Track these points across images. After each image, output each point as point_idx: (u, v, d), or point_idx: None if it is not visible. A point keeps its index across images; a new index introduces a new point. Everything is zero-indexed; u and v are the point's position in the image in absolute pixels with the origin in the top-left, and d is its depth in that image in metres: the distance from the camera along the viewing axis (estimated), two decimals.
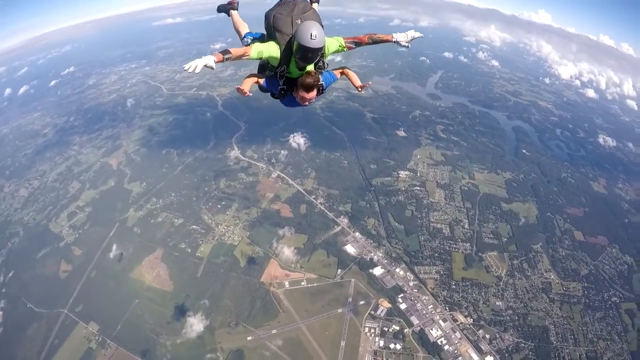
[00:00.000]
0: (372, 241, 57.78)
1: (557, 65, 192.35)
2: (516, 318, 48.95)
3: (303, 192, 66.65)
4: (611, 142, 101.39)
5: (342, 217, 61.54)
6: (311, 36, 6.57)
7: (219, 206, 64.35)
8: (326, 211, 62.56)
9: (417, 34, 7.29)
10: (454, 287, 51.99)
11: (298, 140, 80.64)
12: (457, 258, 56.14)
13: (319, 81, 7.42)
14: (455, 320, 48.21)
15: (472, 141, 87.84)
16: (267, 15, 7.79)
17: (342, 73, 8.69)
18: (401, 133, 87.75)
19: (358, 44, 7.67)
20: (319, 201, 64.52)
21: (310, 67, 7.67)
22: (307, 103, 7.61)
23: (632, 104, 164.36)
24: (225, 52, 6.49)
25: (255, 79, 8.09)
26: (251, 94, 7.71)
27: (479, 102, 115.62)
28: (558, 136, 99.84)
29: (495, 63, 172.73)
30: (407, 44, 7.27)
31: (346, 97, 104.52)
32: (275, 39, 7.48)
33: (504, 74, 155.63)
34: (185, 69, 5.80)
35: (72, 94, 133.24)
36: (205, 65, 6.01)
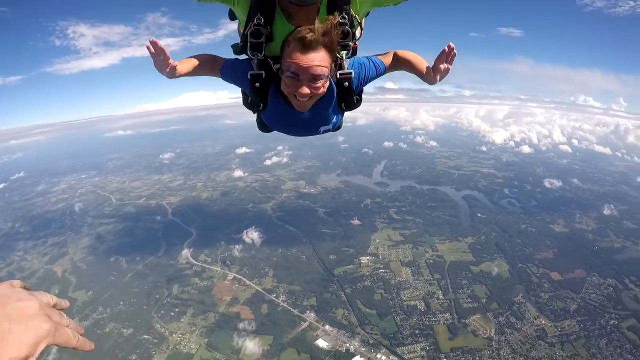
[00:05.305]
0: (344, 331, 52.02)
1: (490, 133, 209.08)
2: None
3: (262, 291, 61.51)
4: (557, 182, 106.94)
5: (308, 312, 56.12)
6: None
7: (172, 313, 57.52)
8: (290, 308, 57.17)
9: None
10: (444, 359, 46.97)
11: (252, 235, 77.60)
12: (439, 330, 51.32)
13: (331, 34, 3.37)
14: None
15: (427, 217, 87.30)
16: None
17: (394, 62, 4.31)
18: (355, 222, 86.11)
19: None
20: (280, 299, 59.29)
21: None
22: (307, 93, 3.46)
23: (565, 148, 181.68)
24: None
25: (207, 61, 4.13)
26: (176, 74, 3.88)
27: (426, 181, 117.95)
28: (507, 194, 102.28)
29: (433, 143, 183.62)
30: None
31: (296, 197, 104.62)
32: None
33: (444, 152, 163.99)
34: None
35: (20, 200, 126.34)
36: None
